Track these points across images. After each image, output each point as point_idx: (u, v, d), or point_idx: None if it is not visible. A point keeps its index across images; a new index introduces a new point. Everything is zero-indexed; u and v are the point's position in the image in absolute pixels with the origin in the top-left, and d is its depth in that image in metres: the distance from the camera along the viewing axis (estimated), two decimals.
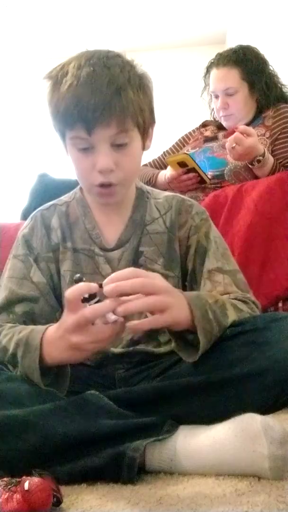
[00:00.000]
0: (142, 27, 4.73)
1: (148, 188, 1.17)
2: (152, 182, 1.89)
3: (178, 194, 1.17)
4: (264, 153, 1.67)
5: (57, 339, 0.86)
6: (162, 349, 1.06)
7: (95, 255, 1.08)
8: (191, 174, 1.76)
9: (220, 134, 1.91)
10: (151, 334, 1.06)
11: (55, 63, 0.99)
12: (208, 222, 1.12)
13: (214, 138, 1.92)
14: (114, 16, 4.50)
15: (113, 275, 0.81)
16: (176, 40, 4.94)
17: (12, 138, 5.17)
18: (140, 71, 0.99)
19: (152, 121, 1.03)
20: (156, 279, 0.84)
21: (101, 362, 1.04)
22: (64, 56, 1.01)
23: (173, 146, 2.07)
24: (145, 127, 1.00)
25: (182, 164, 1.74)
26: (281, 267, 1.58)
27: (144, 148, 1.04)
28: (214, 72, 1.89)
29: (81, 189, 1.14)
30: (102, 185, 0.99)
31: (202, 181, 1.78)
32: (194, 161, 1.74)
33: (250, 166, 1.71)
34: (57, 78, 0.96)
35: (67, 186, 1.20)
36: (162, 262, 1.08)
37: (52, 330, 0.89)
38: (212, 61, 1.92)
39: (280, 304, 1.61)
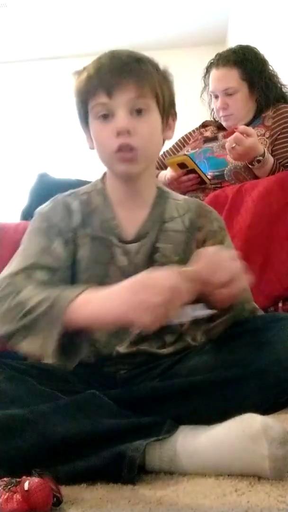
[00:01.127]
0: (142, 27, 4.73)
1: (168, 189, 1.18)
2: None
3: (198, 200, 1.19)
4: (264, 153, 1.67)
5: (110, 293, 0.85)
6: (166, 350, 1.04)
7: (112, 245, 1.06)
8: (191, 175, 1.76)
9: (220, 135, 1.91)
10: (158, 333, 1.03)
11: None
12: (224, 231, 1.13)
13: (214, 139, 1.92)
14: (114, 16, 4.50)
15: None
16: (176, 40, 4.93)
17: (12, 138, 5.17)
18: (162, 66, 1.06)
19: (173, 110, 1.07)
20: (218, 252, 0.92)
21: (103, 361, 1.04)
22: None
23: (173, 146, 2.06)
24: (164, 107, 1.03)
25: (182, 165, 1.74)
26: (281, 267, 1.58)
27: (164, 135, 1.07)
28: (213, 72, 1.89)
29: (101, 181, 1.12)
30: (122, 150, 0.99)
31: (202, 182, 1.78)
32: (194, 162, 1.74)
33: (250, 166, 1.71)
34: (82, 68, 1.04)
35: (67, 186, 1.20)
36: (177, 261, 1.07)
37: (97, 290, 0.87)
38: (212, 61, 1.92)
39: (280, 304, 1.61)
